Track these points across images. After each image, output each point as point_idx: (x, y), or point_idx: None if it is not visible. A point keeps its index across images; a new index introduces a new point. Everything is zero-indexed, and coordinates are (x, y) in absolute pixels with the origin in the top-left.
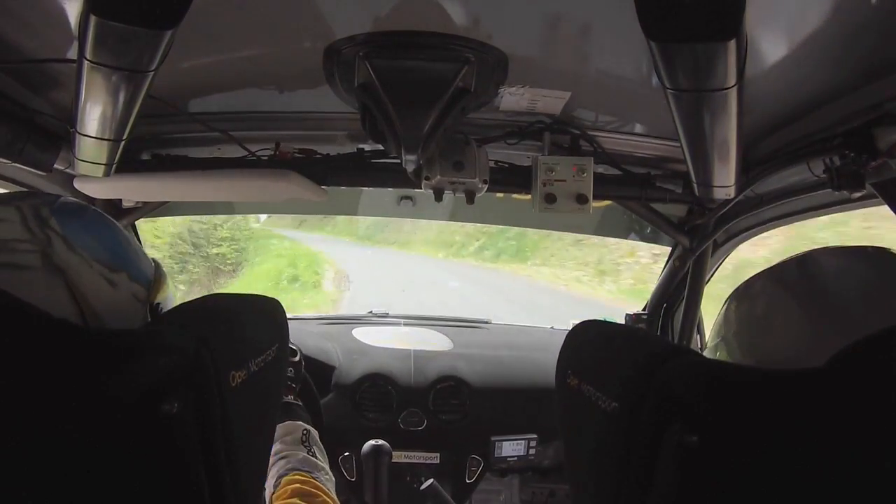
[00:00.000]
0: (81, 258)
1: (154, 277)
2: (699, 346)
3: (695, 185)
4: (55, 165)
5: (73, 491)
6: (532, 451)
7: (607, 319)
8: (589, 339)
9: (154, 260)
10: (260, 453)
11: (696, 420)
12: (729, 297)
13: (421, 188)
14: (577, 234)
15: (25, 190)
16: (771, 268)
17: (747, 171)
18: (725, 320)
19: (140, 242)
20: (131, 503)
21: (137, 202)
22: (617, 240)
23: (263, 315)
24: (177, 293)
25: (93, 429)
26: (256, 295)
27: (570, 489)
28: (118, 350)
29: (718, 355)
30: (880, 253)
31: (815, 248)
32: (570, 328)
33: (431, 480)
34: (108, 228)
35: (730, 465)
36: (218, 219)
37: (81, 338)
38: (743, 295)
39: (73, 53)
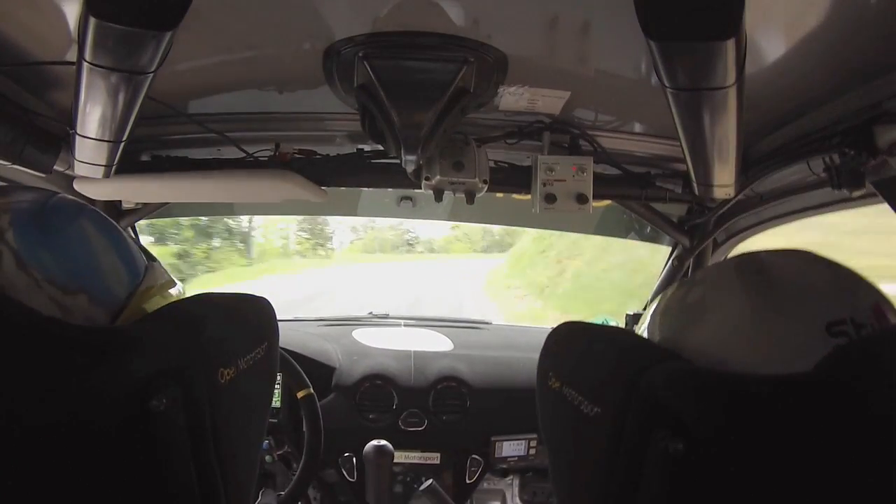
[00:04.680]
0: (31, 279)
1: (132, 293)
2: None
3: (694, 185)
4: (55, 167)
5: (63, 487)
6: (532, 451)
7: (607, 320)
8: (571, 339)
9: (149, 262)
10: (250, 450)
11: (682, 427)
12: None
13: (421, 188)
14: None
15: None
16: (719, 262)
17: (747, 170)
18: (656, 306)
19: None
20: (121, 500)
21: (137, 203)
22: None
23: (252, 314)
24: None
25: (82, 425)
26: (246, 294)
27: (555, 493)
28: (106, 347)
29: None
30: (815, 256)
31: (767, 249)
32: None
33: (431, 480)
34: (77, 240)
35: (717, 473)
36: None
37: (71, 335)
38: (681, 284)
39: (72, 55)
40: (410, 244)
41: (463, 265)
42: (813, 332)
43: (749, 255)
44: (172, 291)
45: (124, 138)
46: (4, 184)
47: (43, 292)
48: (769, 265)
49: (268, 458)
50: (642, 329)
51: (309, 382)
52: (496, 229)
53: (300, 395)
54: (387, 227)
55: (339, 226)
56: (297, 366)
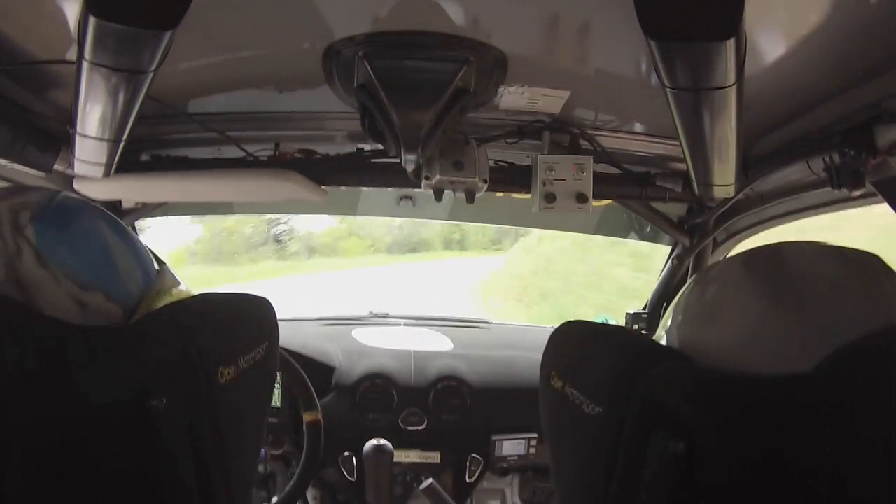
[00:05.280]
0: (50, 273)
1: (144, 294)
2: None
3: (694, 184)
4: (55, 166)
5: (63, 486)
6: (532, 451)
7: (607, 319)
8: (574, 339)
9: (160, 266)
10: (250, 450)
11: (683, 427)
12: (689, 280)
13: (421, 188)
14: None
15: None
16: (737, 255)
17: (747, 170)
18: (675, 305)
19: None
20: (120, 499)
21: (137, 203)
22: None
23: (252, 314)
24: None
25: (82, 425)
26: (246, 294)
27: (556, 492)
28: (107, 347)
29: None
30: (863, 257)
31: (790, 241)
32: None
33: (431, 480)
34: (95, 239)
35: (718, 473)
36: None
37: (70, 335)
38: (699, 279)
39: (72, 55)
40: (280, 241)
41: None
42: (834, 342)
43: (767, 249)
44: (182, 288)
45: (124, 138)
46: (7, 184)
47: (62, 288)
48: (788, 262)
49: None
50: (663, 328)
51: (318, 405)
52: (399, 221)
53: (307, 418)
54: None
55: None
56: (309, 385)
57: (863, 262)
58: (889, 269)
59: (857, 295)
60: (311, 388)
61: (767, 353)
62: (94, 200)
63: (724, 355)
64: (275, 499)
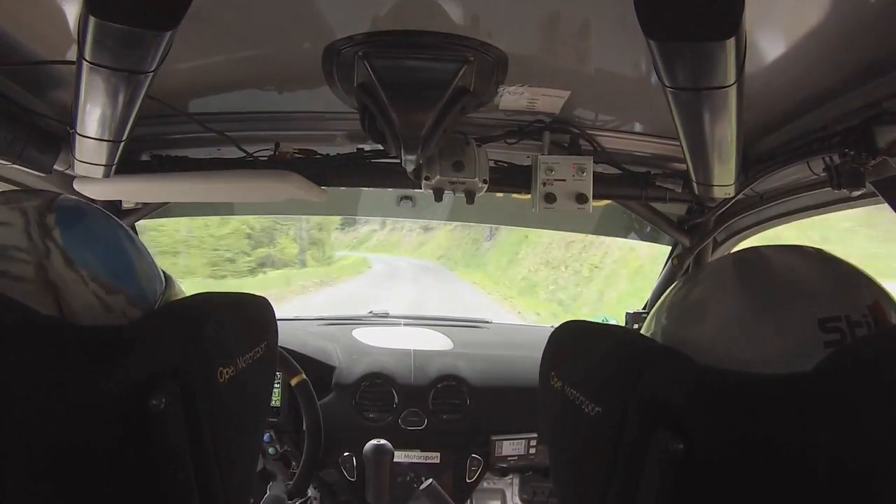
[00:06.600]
0: (78, 275)
1: (158, 299)
2: None
3: (694, 184)
4: (55, 167)
5: (63, 486)
6: (532, 451)
7: (607, 319)
8: (573, 339)
9: (166, 275)
10: (250, 449)
11: (683, 426)
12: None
13: (421, 188)
14: None
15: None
16: (719, 259)
17: (747, 170)
18: (660, 304)
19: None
20: (120, 498)
21: (137, 203)
22: None
23: (252, 313)
24: None
25: (81, 424)
26: (245, 293)
27: (555, 492)
28: (106, 346)
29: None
30: (817, 252)
31: (759, 245)
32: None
33: (431, 480)
34: (116, 242)
35: (717, 472)
36: None
37: (70, 335)
38: (685, 280)
39: (72, 55)
40: None
41: None
42: (806, 328)
43: (748, 252)
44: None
45: (124, 138)
46: (6, 184)
47: (89, 289)
48: (767, 262)
49: (271, 449)
50: (648, 327)
51: (300, 369)
52: None
53: (294, 382)
54: None
55: None
56: (287, 355)
57: (820, 258)
58: (830, 256)
59: (824, 288)
60: (289, 357)
61: (745, 348)
62: (90, 200)
63: (708, 352)
64: (288, 483)
